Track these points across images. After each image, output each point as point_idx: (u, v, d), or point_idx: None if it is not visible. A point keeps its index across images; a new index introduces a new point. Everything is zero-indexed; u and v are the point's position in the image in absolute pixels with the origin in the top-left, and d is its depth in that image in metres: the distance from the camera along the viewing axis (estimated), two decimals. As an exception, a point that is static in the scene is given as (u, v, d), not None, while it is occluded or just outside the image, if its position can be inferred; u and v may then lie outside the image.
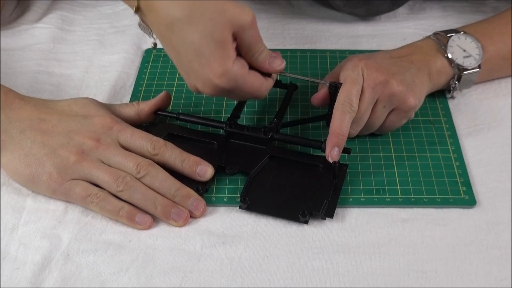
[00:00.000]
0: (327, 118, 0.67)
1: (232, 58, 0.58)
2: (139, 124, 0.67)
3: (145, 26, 0.62)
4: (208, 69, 0.58)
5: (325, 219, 0.60)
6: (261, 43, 0.60)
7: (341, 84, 0.63)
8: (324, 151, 0.62)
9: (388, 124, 0.66)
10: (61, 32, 0.85)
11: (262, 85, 0.61)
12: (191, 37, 0.57)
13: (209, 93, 0.60)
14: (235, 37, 0.58)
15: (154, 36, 0.62)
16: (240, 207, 0.61)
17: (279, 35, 0.85)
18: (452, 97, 0.73)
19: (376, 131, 0.67)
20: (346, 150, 0.62)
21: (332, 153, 0.61)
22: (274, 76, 0.64)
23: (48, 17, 0.86)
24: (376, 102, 0.63)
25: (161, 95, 0.68)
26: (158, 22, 0.59)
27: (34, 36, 0.84)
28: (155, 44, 0.65)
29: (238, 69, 0.59)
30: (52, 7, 0.89)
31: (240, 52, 0.60)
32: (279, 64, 0.61)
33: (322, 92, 0.66)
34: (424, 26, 0.85)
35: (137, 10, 0.61)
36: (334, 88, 0.64)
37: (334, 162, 0.61)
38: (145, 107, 0.67)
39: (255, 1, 0.90)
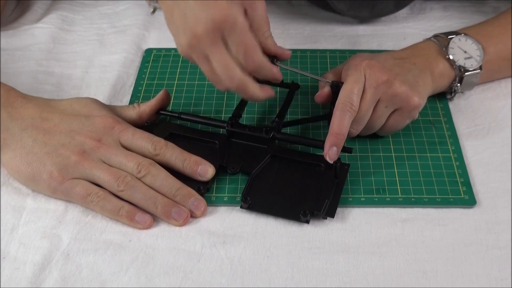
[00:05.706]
0: (328, 117, 0.67)
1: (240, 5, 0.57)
2: (141, 124, 0.67)
3: None
4: (212, 4, 0.56)
5: (326, 218, 0.60)
6: (268, 26, 0.61)
7: (343, 83, 0.63)
8: None
9: (391, 125, 0.65)
10: (61, 32, 0.85)
11: (265, 61, 0.59)
12: None
13: (202, 28, 0.56)
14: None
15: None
16: (241, 207, 0.61)
17: (279, 35, 0.85)
18: (452, 99, 0.73)
19: (379, 132, 0.66)
20: (347, 150, 0.62)
21: (330, 153, 0.61)
22: (278, 71, 0.62)
23: (48, 17, 0.86)
24: (377, 102, 0.63)
25: (160, 94, 0.68)
26: None
27: (34, 36, 0.84)
28: (154, 9, 0.64)
29: (241, 14, 0.57)
30: (52, 7, 0.89)
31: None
32: (287, 51, 0.62)
33: (326, 90, 0.66)
34: (424, 26, 0.85)
35: None
36: (336, 87, 0.64)
37: (335, 162, 0.61)
38: (146, 108, 0.67)
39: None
